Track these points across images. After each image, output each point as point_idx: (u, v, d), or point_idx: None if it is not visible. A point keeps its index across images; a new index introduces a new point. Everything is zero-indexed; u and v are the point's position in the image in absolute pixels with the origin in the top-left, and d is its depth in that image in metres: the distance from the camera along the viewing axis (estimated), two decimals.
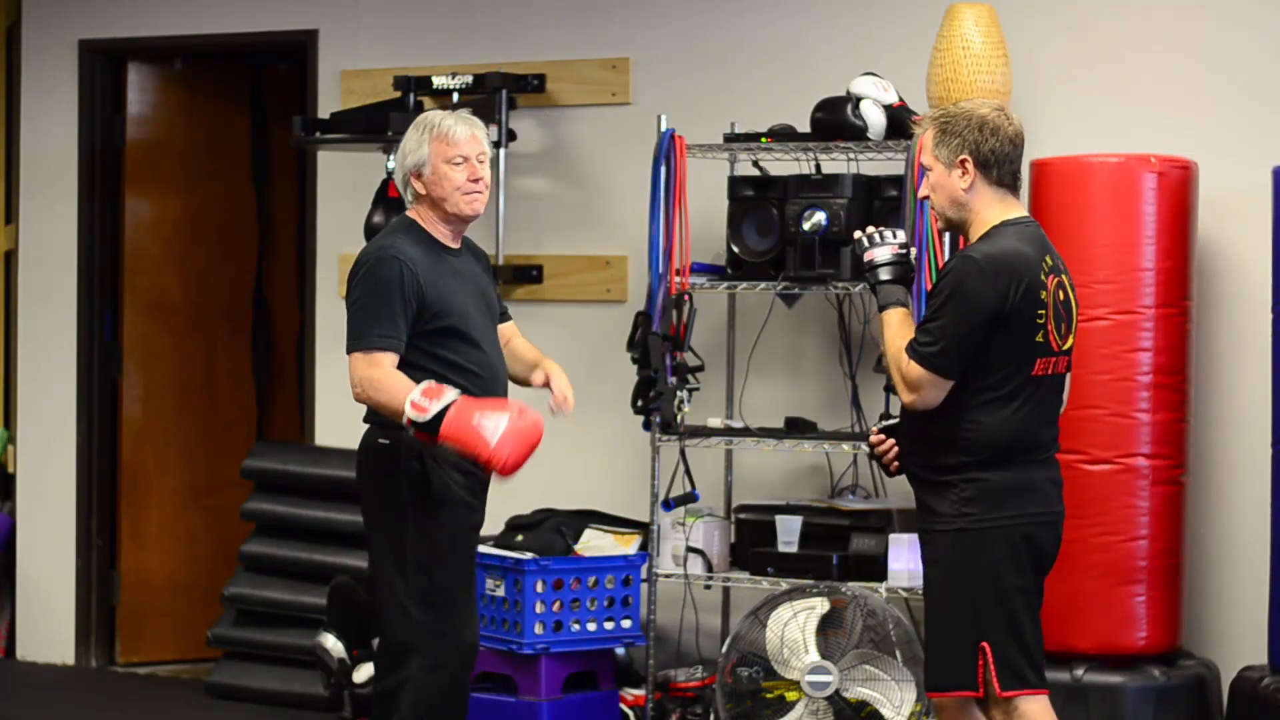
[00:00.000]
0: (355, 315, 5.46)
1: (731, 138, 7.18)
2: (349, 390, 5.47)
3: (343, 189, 8.22)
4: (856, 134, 6.90)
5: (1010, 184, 5.09)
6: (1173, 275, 6.66)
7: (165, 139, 8.86)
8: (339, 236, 8.25)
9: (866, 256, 5.21)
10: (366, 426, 5.62)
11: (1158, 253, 6.63)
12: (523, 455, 5.29)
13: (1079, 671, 6.61)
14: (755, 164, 7.24)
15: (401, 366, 5.43)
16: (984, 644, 5.00)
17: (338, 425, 8.21)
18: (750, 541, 7.10)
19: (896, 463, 5.21)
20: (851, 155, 7.13)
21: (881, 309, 5.14)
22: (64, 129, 8.71)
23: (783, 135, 7.08)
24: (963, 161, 5.04)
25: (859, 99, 6.95)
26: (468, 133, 5.53)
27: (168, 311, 8.89)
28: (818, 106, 6.99)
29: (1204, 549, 6.95)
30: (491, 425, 5.26)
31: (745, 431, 7.21)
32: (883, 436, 5.25)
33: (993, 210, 5.07)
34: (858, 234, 5.30)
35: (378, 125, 7.64)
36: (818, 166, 7.16)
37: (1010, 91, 6.95)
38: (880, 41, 7.39)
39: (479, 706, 6.55)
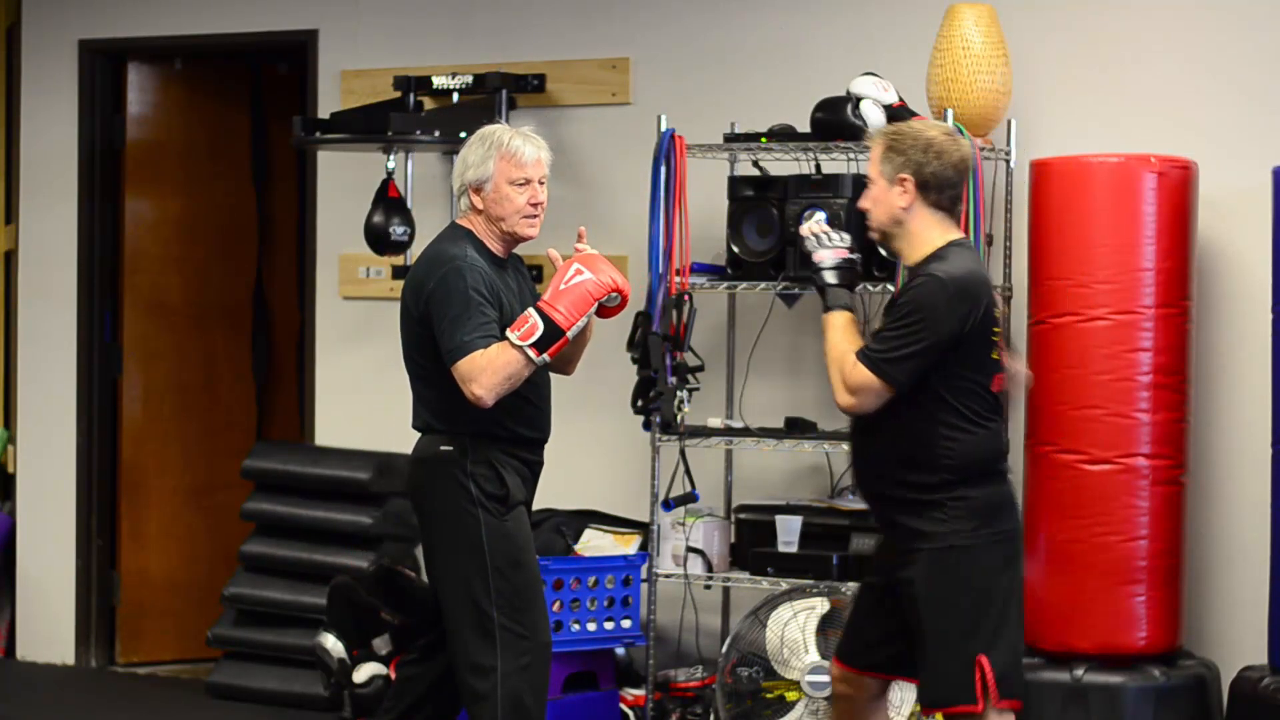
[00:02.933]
0: (447, 329, 5.35)
1: (731, 138, 7.18)
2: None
3: (343, 189, 8.22)
4: (856, 134, 6.90)
5: (949, 208, 5.11)
6: (1173, 275, 6.66)
7: (165, 139, 8.86)
8: (339, 236, 8.25)
9: (815, 257, 5.23)
10: (419, 435, 5.54)
11: (1158, 253, 6.62)
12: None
13: (1079, 671, 6.60)
14: (755, 164, 7.24)
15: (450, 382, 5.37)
16: (982, 658, 5.00)
17: (338, 425, 8.21)
18: (750, 541, 7.10)
19: None
20: (851, 155, 7.13)
21: (827, 310, 5.16)
22: (64, 129, 8.71)
23: (783, 135, 7.08)
24: (903, 180, 5.06)
25: (859, 99, 6.94)
26: (535, 155, 5.51)
27: (168, 311, 8.89)
28: (818, 106, 6.98)
29: (1204, 549, 6.95)
30: (586, 274, 5.40)
31: (745, 431, 7.21)
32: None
33: (932, 232, 5.09)
34: (804, 230, 5.30)
35: (378, 125, 7.63)
36: (818, 166, 7.16)
37: (1010, 91, 6.95)
38: (880, 41, 7.39)
39: None
